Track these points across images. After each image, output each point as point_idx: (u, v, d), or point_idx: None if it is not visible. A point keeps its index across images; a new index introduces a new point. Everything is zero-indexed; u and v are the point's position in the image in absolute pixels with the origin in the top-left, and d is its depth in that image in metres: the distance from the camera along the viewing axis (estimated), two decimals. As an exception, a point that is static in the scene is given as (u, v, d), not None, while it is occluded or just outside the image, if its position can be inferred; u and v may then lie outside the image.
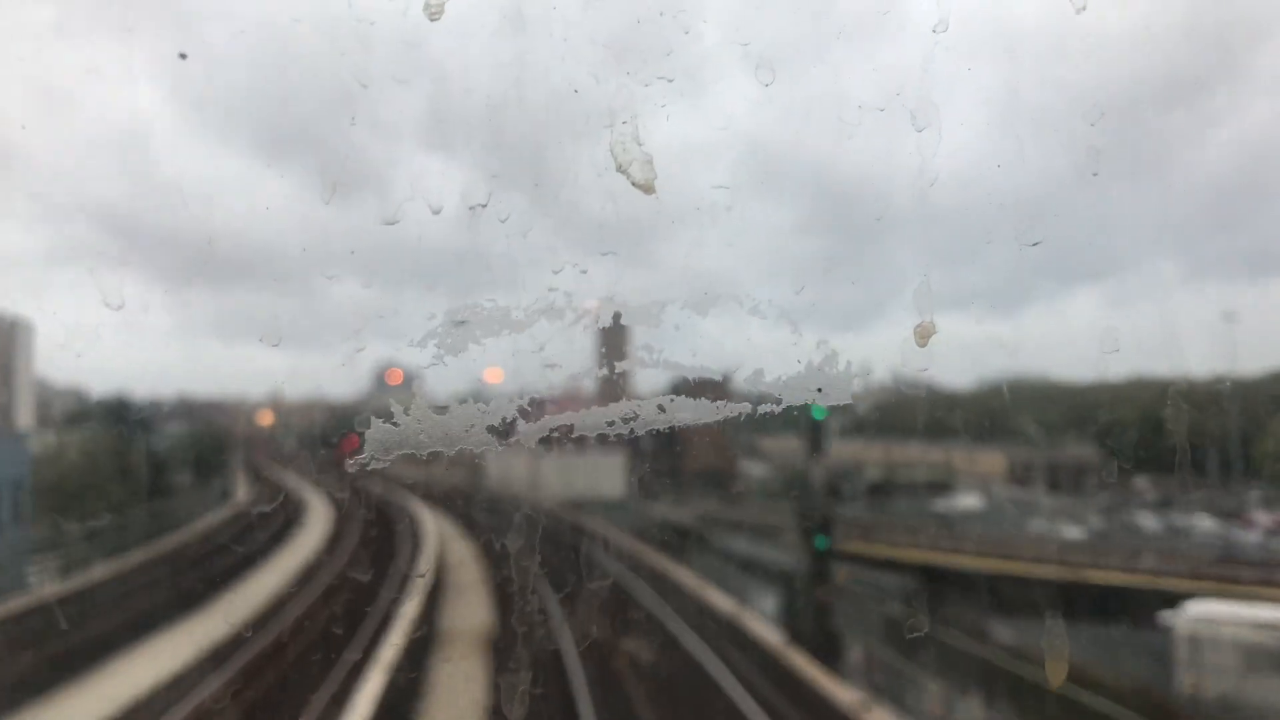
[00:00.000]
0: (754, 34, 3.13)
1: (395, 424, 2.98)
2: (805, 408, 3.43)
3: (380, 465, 2.98)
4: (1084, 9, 2.55)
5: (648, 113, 3.10)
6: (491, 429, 3.09)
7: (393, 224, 3.13)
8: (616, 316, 3.48)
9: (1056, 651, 3.92)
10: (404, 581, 11.92)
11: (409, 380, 3.15)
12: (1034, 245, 2.76)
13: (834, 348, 3.40)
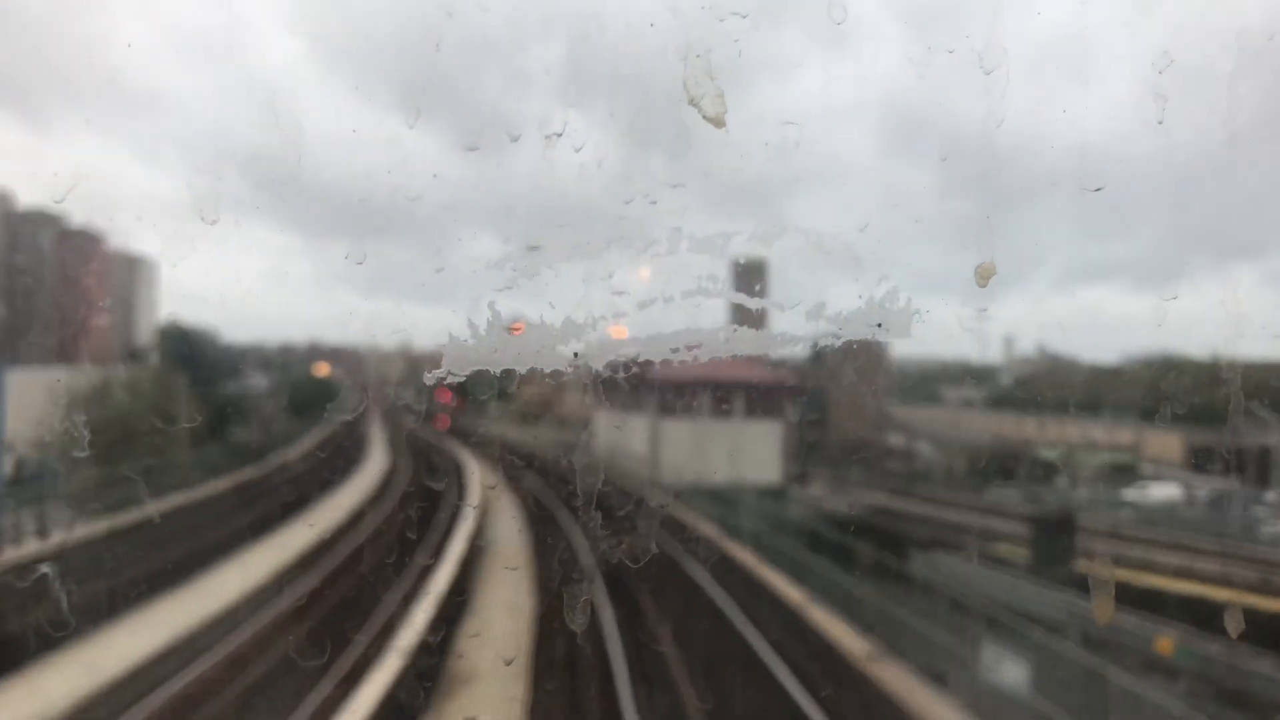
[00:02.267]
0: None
1: (470, 342, 3.16)
2: None
3: (456, 380, 3.17)
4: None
5: (721, 47, 3.17)
6: (560, 350, 3.26)
7: (473, 150, 3.27)
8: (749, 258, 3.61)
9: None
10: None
11: (530, 332, 3.29)
12: (1096, 191, 2.80)
13: (895, 284, 3.49)
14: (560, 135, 3.37)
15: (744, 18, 3.09)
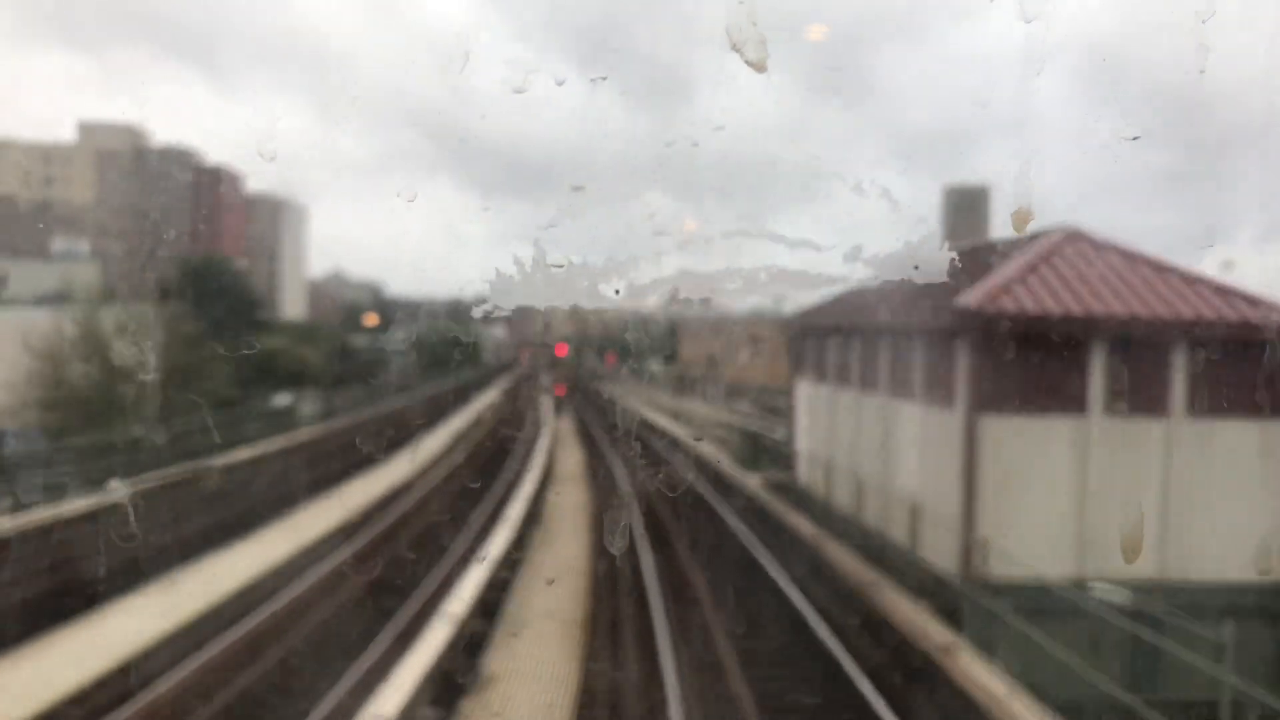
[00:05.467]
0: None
1: (516, 278, 3.34)
2: None
3: (503, 314, 3.36)
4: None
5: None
6: (601, 288, 3.42)
7: (521, 92, 3.41)
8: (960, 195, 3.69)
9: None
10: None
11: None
12: (1133, 139, 2.80)
13: (933, 226, 3.54)
14: (605, 79, 3.48)
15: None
